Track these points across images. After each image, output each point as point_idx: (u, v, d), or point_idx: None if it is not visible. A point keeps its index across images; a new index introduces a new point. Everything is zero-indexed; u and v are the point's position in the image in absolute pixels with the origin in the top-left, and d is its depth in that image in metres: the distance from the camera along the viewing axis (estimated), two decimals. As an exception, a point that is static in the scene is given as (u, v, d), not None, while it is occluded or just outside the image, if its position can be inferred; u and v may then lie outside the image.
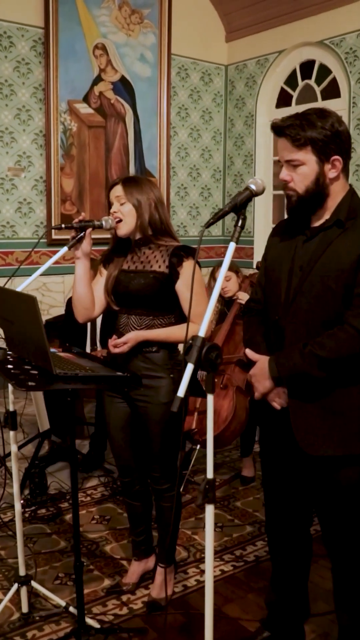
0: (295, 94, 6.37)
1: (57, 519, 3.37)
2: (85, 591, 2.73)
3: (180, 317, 2.50)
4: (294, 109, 6.36)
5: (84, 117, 5.91)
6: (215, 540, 3.18)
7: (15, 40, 5.48)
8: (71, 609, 2.50)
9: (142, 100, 6.24)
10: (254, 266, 6.38)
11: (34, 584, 2.52)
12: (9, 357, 2.13)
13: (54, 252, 6.18)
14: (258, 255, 6.67)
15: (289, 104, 6.44)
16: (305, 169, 1.87)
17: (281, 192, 6.80)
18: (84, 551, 3.05)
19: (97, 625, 2.36)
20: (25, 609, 2.53)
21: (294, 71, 6.34)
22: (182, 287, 2.41)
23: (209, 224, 1.77)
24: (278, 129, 1.89)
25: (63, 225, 2.35)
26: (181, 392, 1.65)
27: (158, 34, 6.24)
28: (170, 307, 2.45)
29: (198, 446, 3.56)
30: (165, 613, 2.55)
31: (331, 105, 5.89)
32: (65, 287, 5.91)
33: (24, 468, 3.84)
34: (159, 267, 2.41)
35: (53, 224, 5.80)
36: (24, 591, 2.51)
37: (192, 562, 2.97)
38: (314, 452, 1.95)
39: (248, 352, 2.07)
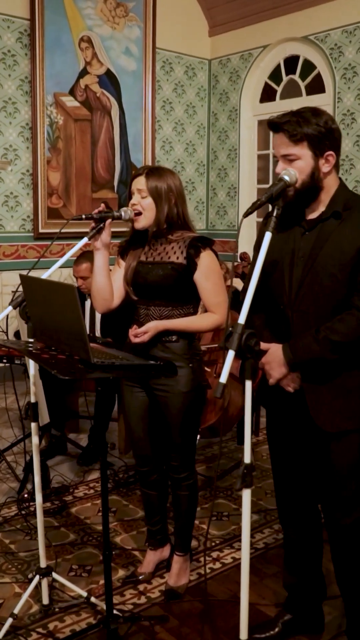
0: (279, 89, 6.43)
1: (63, 512, 3.37)
2: (101, 582, 2.74)
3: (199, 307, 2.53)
4: (278, 104, 6.43)
5: (70, 110, 5.87)
6: (223, 529, 3.22)
7: (1, 31, 5.42)
8: (92, 599, 2.51)
9: (127, 94, 6.23)
10: (238, 259, 6.41)
11: (55, 575, 2.51)
12: (30, 347, 2.12)
13: (41, 246, 6.18)
14: (242, 249, 6.71)
15: (273, 99, 6.50)
16: (301, 163, 1.96)
17: (265, 185, 6.85)
18: (95, 543, 3.06)
19: (119, 614, 2.37)
20: (45, 600, 2.53)
21: (278, 66, 6.40)
22: (200, 277, 2.43)
23: (247, 214, 1.82)
24: (275, 125, 1.98)
25: (83, 216, 2.34)
26: (223, 378, 1.68)
27: (143, 28, 6.23)
28: (189, 297, 2.47)
29: (198, 437, 3.59)
30: (207, 597, 2.58)
31: (316, 100, 5.99)
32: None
33: (23, 463, 3.83)
34: (177, 258, 2.42)
35: (40, 218, 5.77)
36: (44, 583, 2.51)
37: (202, 550, 3.00)
38: (332, 429, 2.08)
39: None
